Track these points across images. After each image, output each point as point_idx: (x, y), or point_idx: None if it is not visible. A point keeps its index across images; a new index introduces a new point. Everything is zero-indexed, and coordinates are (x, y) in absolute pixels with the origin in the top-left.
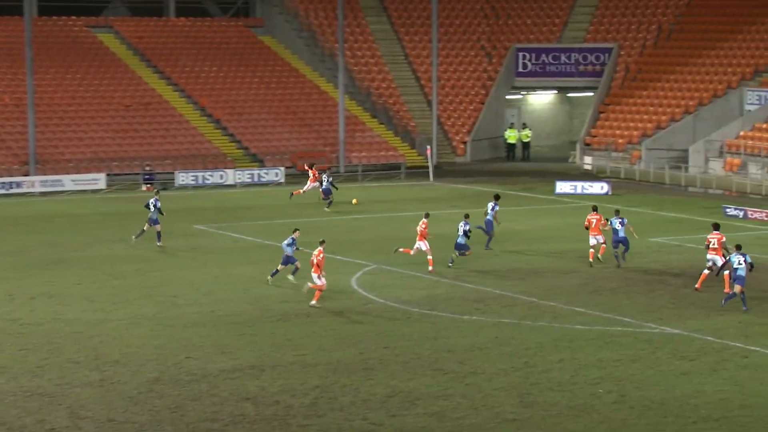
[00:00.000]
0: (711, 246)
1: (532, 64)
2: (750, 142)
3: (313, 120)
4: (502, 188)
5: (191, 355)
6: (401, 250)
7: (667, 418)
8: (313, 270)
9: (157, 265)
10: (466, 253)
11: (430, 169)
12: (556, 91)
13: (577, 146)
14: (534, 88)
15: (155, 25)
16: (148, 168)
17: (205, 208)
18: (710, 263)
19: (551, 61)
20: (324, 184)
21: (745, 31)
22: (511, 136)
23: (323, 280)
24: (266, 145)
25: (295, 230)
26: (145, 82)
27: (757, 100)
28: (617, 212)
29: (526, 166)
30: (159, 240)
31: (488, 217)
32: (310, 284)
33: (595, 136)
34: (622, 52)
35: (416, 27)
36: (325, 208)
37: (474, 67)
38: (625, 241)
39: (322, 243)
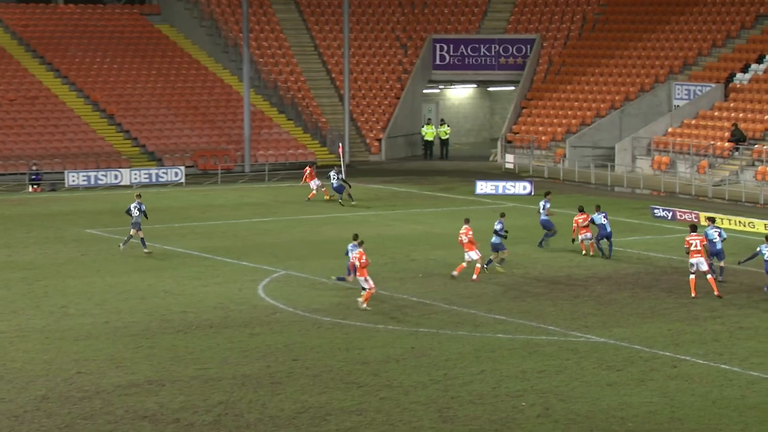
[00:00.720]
0: (693, 249)
1: (450, 56)
2: (679, 139)
3: (216, 115)
4: (418, 188)
5: (83, 370)
6: (455, 273)
7: None
8: (358, 274)
9: (46, 272)
10: (503, 253)
11: (343, 168)
12: (475, 85)
13: (499, 144)
14: (452, 82)
15: (42, 12)
16: (34, 167)
17: (98, 211)
18: (694, 267)
19: (470, 53)
20: (334, 182)
21: (673, 22)
22: (429, 132)
23: (371, 281)
24: (165, 142)
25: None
26: (32, 74)
27: (686, 94)
28: (598, 207)
29: (445, 165)
30: (144, 246)
31: (542, 217)
32: (362, 295)
33: (517, 133)
34: (544, 44)
35: (326, 16)
36: (352, 203)
37: (388, 59)
38: (610, 236)
39: (361, 244)
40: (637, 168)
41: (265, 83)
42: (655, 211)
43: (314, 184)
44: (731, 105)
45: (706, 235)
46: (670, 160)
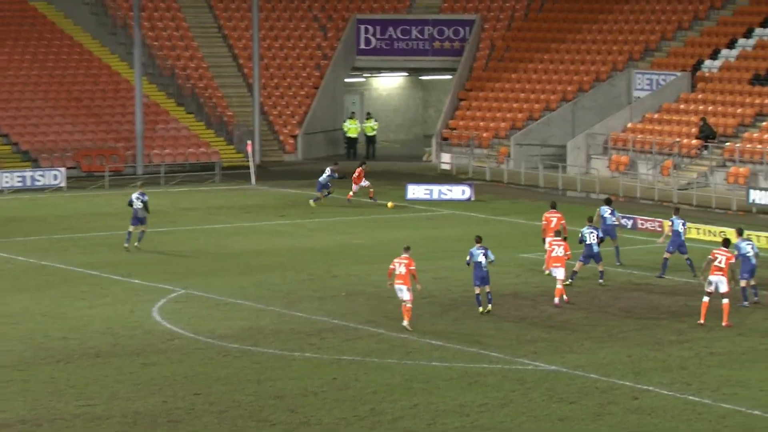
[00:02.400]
0: (717, 264)
1: (377, 39)
2: (639, 136)
3: (103, 108)
4: (340, 193)
5: None
6: (563, 299)
7: None
8: (403, 282)
9: None
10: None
11: (252, 170)
12: (406, 74)
13: (433, 141)
14: (379, 70)
15: None
16: None
17: None
18: (712, 286)
19: (400, 35)
20: (324, 177)
21: (633, 2)
22: (352, 128)
23: (411, 293)
24: (41, 140)
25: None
26: None
27: (648, 84)
28: (677, 210)
29: (371, 165)
30: (139, 241)
31: (608, 222)
32: (406, 320)
33: (454, 129)
34: (485, 26)
35: None
36: (312, 202)
37: (305, 44)
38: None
39: (407, 250)
40: (592, 169)
41: (160, 70)
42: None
43: (363, 183)
44: (699, 97)
45: (739, 249)
46: (630, 159)
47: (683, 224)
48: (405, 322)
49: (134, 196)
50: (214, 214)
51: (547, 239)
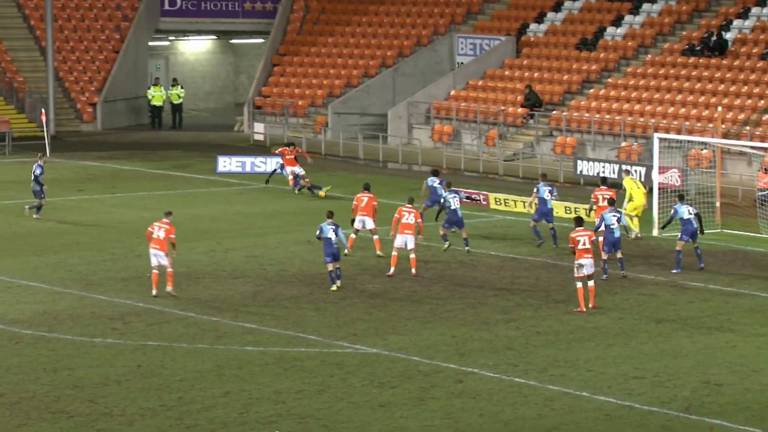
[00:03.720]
0: (582, 247)
1: (183, 0)
2: (463, 104)
3: None
4: (145, 166)
5: None
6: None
7: None
8: (160, 248)
9: None
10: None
11: (47, 141)
12: (215, 37)
13: (245, 110)
14: (186, 32)
15: None
16: None
17: None
18: (583, 270)
19: None
20: (277, 165)
21: None
22: (157, 96)
23: (169, 258)
24: None
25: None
26: None
27: (471, 49)
28: (544, 176)
29: (178, 136)
30: (37, 213)
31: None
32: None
33: (267, 97)
34: None
35: None
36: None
37: (104, 3)
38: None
39: (168, 215)
40: (415, 140)
41: None
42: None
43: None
44: (524, 63)
45: (604, 220)
46: (454, 129)
47: (551, 191)
48: (169, 288)
49: (35, 166)
50: (4, 189)
51: (400, 210)
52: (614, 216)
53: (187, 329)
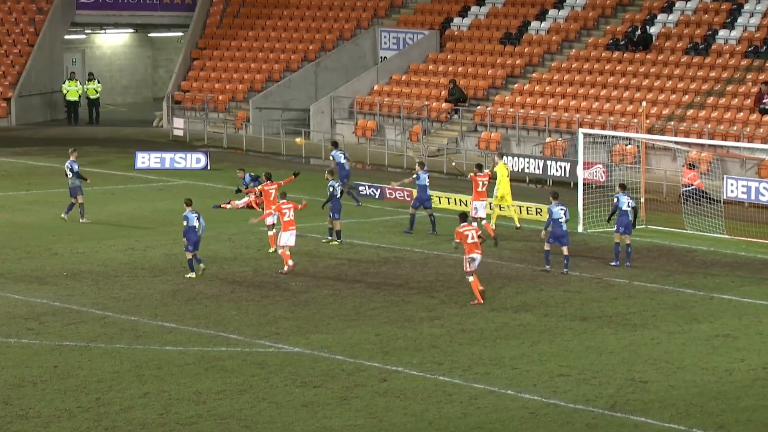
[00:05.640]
0: (471, 241)
1: None
2: (387, 99)
3: None
4: (61, 162)
5: None
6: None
7: None
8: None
9: None
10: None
11: None
12: (133, 30)
13: (164, 105)
14: (102, 26)
15: None
16: None
17: None
18: (475, 263)
19: None
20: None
21: None
22: (73, 90)
23: None
24: None
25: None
26: None
27: (395, 43)
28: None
29: (95, 132)
30: (83, 216)
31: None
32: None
33: (187, 92)
34: None
35: None
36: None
37: None
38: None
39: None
40: (337, 135)
41: None
42: (360, 187)
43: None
44: (448, 57)
45: (551, 213)
46: (377, 124)
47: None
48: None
49: (67, 164)
50: None
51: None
52: (561, 209)
53: (105, 329)
